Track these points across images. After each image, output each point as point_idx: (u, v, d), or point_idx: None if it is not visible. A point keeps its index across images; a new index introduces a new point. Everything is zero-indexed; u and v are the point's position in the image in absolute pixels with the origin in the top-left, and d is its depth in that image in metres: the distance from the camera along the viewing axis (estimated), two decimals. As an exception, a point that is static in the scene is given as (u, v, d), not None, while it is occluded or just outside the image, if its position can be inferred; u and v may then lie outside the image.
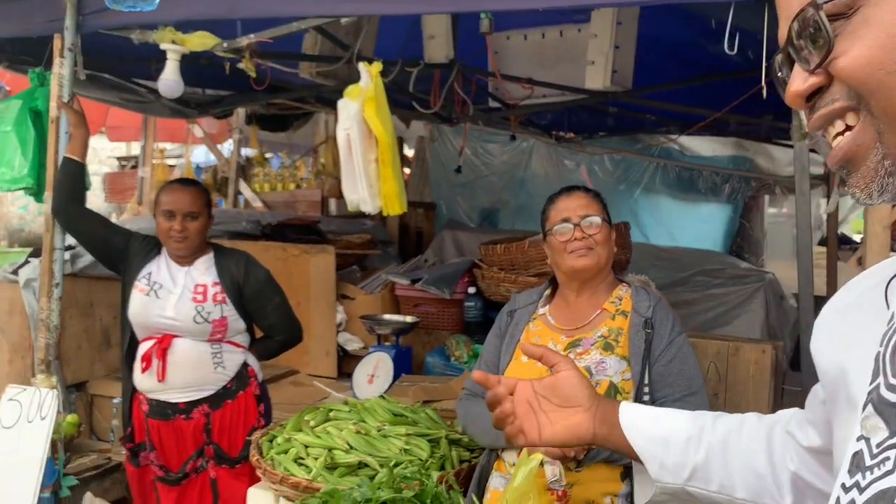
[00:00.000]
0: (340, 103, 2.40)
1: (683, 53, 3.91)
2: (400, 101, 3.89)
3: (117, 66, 3.64)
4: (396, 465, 2.18)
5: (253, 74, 2.70)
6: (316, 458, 2.24)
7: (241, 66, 2.65)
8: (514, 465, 1.95)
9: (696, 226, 5.98)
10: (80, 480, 2.84)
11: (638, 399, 1.93)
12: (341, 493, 1.55)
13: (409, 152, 7.09)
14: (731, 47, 2.09)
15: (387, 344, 3.61)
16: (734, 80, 3.56)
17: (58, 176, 2.68)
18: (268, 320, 2.83)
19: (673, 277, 4.64)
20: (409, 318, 3.80)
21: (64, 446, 2.73)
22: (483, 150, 6.35)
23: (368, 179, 2.34)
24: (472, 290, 4.05)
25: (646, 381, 1.93)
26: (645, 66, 3.68)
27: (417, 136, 6.52)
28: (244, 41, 2.57)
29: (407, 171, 6.71)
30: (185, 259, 2.73)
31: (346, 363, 4.17)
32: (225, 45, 2.59)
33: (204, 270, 2.72)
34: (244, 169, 6.66)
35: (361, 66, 2.41)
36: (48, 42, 2.75)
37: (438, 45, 3.63)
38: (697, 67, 3.95)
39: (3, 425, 2.47)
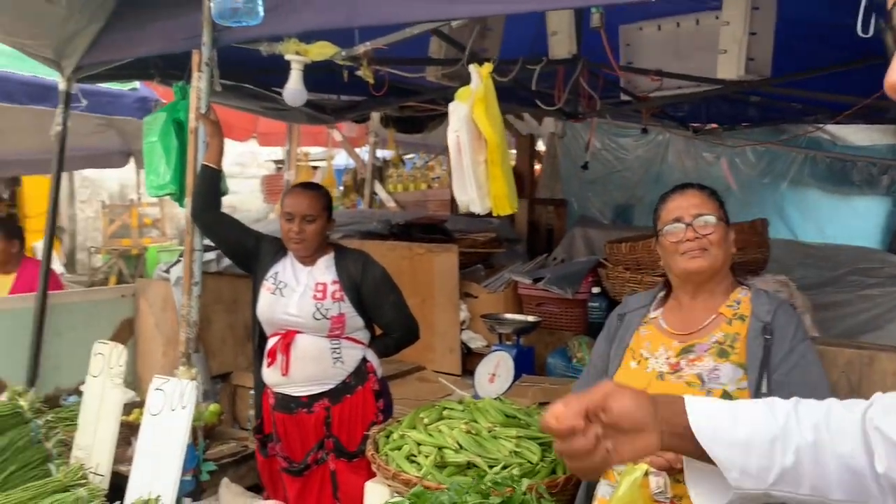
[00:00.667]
0: (451, 106, 2.41)
1: (830, 37, 3.61)
2: (524, 98, 3.86)
3: (256, 76, 3.86)
4: (505, 467, 2.18)
5: (371, 81, 2.76)
6: (427, 456, 2.28)
7: (359, 73, 2.72)
8: (621, 473, 1.90)
9: (850, 221, 5.52)
10: (218, 466, 3.02)
11: (755, 411, 1.81)
12: (427, 496, 1.57)
13: (543, 149, 7.02)
14: (865, 29, 1.91)
15: (508, 343, 3.59)
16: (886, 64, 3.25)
17: (196, 182, 2.85)
18: (385, 318, 2.90)
19: (822, 276, 4.34)
20: (530, 318, 3.76)
21: (205, 433, 2.93)
22: (615, 144, 6.18)
23: (477, 180, 2.34)
24: (596, 289, 3.95)
25: (763, 391, 1.81)
26: (787, 51, 3.43)
27: (549, 133, 6.44)
28: (361, 49, 2.64)
29: (538, 167, 6.65)
30: (308, 259, 2.85)
31: (469, 361, 4.20)
32: (343, 53, 2.67)
33: (324, 269, 2.84)
34: (380, 170, 6.87)
35: (472, 67, 2.41)
36: (190, 57, 2.96)
37: (561, 42, 3.57)
38: (846, 51, 3.64)
39: (151, 413, 2.68)
